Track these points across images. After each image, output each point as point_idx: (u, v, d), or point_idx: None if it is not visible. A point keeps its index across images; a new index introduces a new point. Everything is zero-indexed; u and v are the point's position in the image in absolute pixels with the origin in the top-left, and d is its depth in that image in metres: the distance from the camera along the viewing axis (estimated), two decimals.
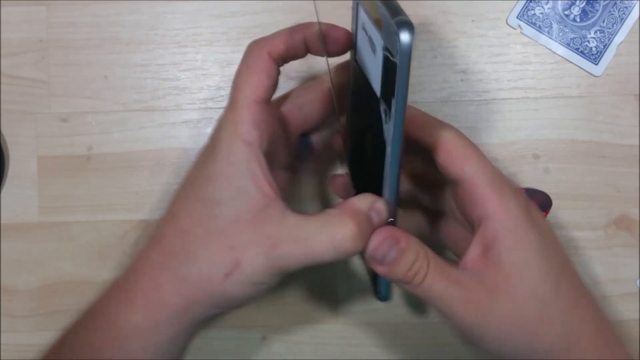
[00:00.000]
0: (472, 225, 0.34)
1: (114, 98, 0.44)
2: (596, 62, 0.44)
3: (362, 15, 0.32)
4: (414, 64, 0.44)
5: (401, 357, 0.44)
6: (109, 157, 0.44)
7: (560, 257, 0.34)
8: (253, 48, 0.33)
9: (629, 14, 0.44)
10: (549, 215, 0.44)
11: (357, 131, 0.37)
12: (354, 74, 0.36)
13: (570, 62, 0.45)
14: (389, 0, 0.29)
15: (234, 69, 0.44)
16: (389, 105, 0.29)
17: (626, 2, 0.44)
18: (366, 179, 0.35)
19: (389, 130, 0.29)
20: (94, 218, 0.44)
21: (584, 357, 0.33)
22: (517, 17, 0.45)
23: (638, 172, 0.44)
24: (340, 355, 0.44)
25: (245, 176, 0.31)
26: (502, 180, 0.33)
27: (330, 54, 0.35)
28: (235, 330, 0.44)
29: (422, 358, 0.44)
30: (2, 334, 0.43)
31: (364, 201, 0.32)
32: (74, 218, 0.44)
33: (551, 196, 0.44)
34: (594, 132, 0.44)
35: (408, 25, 0.27)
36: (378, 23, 0.29)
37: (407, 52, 0.27)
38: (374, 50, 0.31)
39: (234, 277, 0.31)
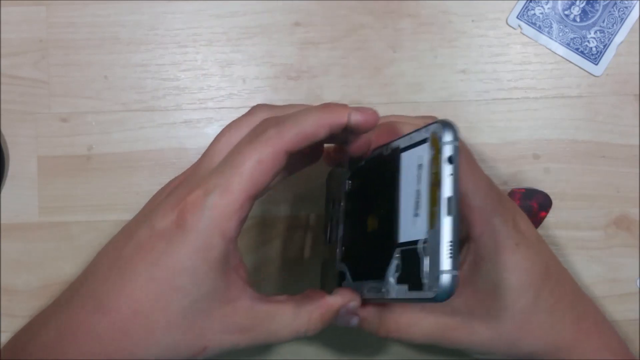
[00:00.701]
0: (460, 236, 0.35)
1: (114, 98, 0.44)
2: (596, 62, 0.44)
3: (425, 157, 0.29)
4: (414, 64, 0.45)
5: (401, 357, 0.44)
6: (109, 157, 0.44)
7: (543, 266, 0.35)
8: (272, 137, 0.30)
9: (629, 14, 0.44)
10: (549, 215, 0.44)
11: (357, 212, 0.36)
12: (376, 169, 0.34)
13: (570, 62, 0.45)
14: (454, 222, 0.27)
15: (234, 69, 0.45)
16: (403, 271, 0.29)
17: (626, 2, 0.44)
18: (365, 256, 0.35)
19: (392, 289, 0.30)
20: (94, 218, 0.44)
21: (566, 351, 0.35)
22: (517, 17, 0.45)
23: (638, 172, 0.44)
24: (341, 355, 0.44)
25: (220, 276, 0.30)
26: (493, 199, 0.34)
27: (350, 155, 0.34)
28: None
29: (422, 358, 0.44)
30: (2, 334, 0.43)
31: (339, 299, 0.33)
32: (74, 218, 0.44)
33: (551, 196, 0.44)
34: (594, 132, 0.44)
35: (454, 280, 0.26)
36: (432, 217, 0.28)
37: (441, 300, 0.27)
38: (415, 213, 0.29)
39: (198, 358, 0.31)
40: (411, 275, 0.28)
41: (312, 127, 0.30)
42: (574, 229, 0.44)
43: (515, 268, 0.34)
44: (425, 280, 0.27)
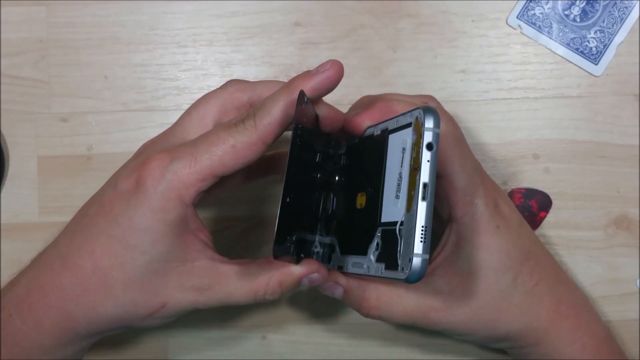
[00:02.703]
0: (443, 219, 0.36)
1: (114, 98, 0.44)
2: (596, 62, 0.44)
3: (408, 141, 0.30)
4: (414, 64, 0.45)
5: (401, 357, 0.44)
6: (109, 157, 0.44)
7: (523, 249, 0.36)
8: (251, 131, 0.31)
9: (629, 14, 0.44)
10: (549, 215, 0.44)
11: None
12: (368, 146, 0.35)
13: (570, 62, 0.45)
14: (428, 207, 0.28)
15: (234, 69, 0.45)
16: (382, 250, 0.30)
17: (626, 2, 0.44)
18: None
19: (372, 266, 0.31)
20: None
21: (544, 332, 0.35)
22: (517, 17, 0.45)
23: (638, 172, 0.44)
24: (340, 355, 0.44)
25: (176, 238, 0.32)
26: (479, 182, 0.34)
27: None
28: (235, 330, 0.44)
29: (422, 358, 0.44)
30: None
31: (301, 269, 0.33)
32: None
33: (551, 196, 0.44)
34: (594, 132, 0.44)
35: (423, 263, 0.27)
36: (409, 201, 0.29)
37: (411, 281, 0.28)
38: (396, 195, 0.30)
39: (157, 315, 0.33)
40: (388, 255, 0.29)
41: (283, 113, 0.31)
42: (574, 229, 0.44)
43: (494, 250, 0.34)
44: (399, 261, 0.28)
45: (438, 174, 0.33)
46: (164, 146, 0.33)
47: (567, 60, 0.45)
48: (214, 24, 0.45)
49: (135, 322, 0.33)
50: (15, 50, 0.44)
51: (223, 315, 0.44)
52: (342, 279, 0.35)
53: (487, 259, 0.34)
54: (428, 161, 0.28)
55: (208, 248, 0.33)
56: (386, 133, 0.32)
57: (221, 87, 0.35)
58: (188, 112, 0.35)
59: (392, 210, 0.30)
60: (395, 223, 0.29)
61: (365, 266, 0.32)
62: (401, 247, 0.28)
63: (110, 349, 0.43)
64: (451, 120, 0.35)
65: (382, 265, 0.30)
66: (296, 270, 0.33)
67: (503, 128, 0.45)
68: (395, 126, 0.32)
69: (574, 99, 0.45)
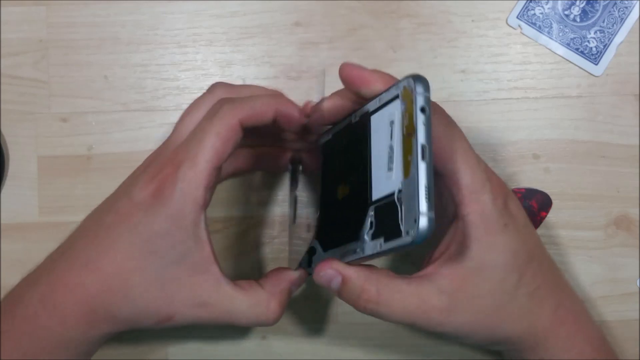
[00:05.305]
0: (446, 217, 0.35)
1: (114, 98, 0.44)
2: (596, 62, 0.44)
3: (396, 113, 0.30)
4: (414, 64, 0.44)
5: (401, 357, 0.44)
6: (109, 157, 0.44)
7: (528, 250, 0.35)
8: (227, 113, 0.34)
9: (629, 14, 0.44)
10: (549, 215, 0.44)
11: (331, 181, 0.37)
12: (350, 134, 0.36)
13: (570, 62, 0.45)
14: (428, 167, 0.28)
15: (234, 69, 0.45)
16: (378, 226, 0.30)
17: (626, 2, 0.44)
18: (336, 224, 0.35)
19: (367, 246, 0.30)
20: None
21: (542, 337, 0.35)
22: (517, 17, 0.45)
23: (638, 172, 0.44)
24: (340, 355, 0.44)
25: (191, 240, 0.33)
26: (484, 178, 0.34)
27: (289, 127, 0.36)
28: (235, 330, 0.44)
29: (422, 358, 0.44)
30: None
31: (287, 280, 0.36)
32: (74, 218, 0.44)
33: (551, 196, 0.44)
34: (594, 132, 0.44)
35: (430, 222, 0.27)
36: (406, 166, 0.28)
37: (419, 242, 0.27)
38: (389, 167, 0.30)
39: (163, 324, 0.35)
40: (387, 227, 0.29)
41: (261, 108, 0.34)
42: (574, 229, 0.44)
43: (502, 249, 0.33)
44: (403, 227, 0.28)
45: (439, 173, 0.33)
46: (167, 156, 0.35)
47: (567, 60, 0.45)
48: (214, 24, 0.45)
49: (143, 326, 0.35)
50: (15, 50, 0.44)
51: None
52: (342, 267, 0.33)
53: (495, 258, 0.33)
54: (424, 123, 0.28)
55: (215, 264, 0.34)
56: (367, 116, 0.32)
57: (208, 90, 0.37)
58: (181, 120, 0.37)
59: (384, 184, 0.30)
60: (391, 194, 0.29)
61: (358, 249, 0.31)
62: (402, 213, 0.28)
63: (111, 348, 0.43)
64: (448, 117, 0.34)
65: (381, 240, 0.29)
66: (284, 284, 0.36)
67: (503, 128, 0.45)
68: (378, 105, 0.32)
69: (574, 99, 0.45)
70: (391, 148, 0.30)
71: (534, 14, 0.45)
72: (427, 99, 0.29)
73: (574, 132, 0.44)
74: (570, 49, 0.45)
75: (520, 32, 0.45)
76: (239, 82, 0.44)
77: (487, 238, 0.33)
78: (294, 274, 0.37)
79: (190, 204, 0.33)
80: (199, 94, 0.38)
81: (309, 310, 0.44)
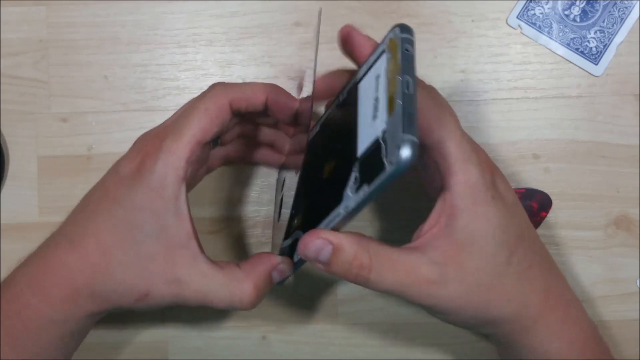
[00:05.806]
0: (435, 189, 0.34)
1: (114, 98, 0.44)
2: (596, 62, 0.44)
3: (382, 66, 0.30)
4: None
5: (401, 357, 0.44)
6: (109, 157, 0.44)
7: (518, 228, 0.34)
8: (218, 92, 0.35)
9: (629, 14, 0.44)
10: (549, 215, 0.44)
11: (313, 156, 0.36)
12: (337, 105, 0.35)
13: (570, 62, 0.45)
14: (411, 97, 0.27)
15: (234, 69, 0.45)
16: (362, 177, 0.29)
17: (626, 2, 0.44)
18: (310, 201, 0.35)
19: (351, 200, 0.29)
20: None
21: (532, 320, 0.34)
22: (517, 17, 0.45)
23: (638, 172, 0.44)
24: (340, 355, 0.44)
25: (171, 213, 0.33)
26: (470, 150, 0.33)
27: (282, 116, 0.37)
28: (235, 330, 0.44)
29: (422, 358, 0.44)
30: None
31: (267, 263, 0.35)
32: None
33: (551, 196, 0.44)
34: (594, 132, 0.44)
35: (413, 146, 0.26)
36: (391, 103, 0.28)
37: (402, 169, 0.26)
38: (374, 116, 0.29)
39: (142, 302, 0.34)
40: (371, 171, 0.28)
41: (252, 91, 0.35)
42: (574, 229, 0.44)
43: (491, 219, 0.33)
44: (385, 160, 0.27)
45: (426, 145, 0.33)
46: (154, 132, 0.36)
47: (567, 60, 0.45)
48: (214, 24, 0.45)
49: (123, 304, 0.35)
50: (15, 50, 0.44)
51: (223, 315, 0.44)
52: (330, 235, 0.31)
53: (484, 229, 0.33)
54: (408, 60, 0.28)
55: (194, 239, 0.34)
56: (354, 87, 0.33)
57: (207, 90, 0.37)
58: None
59: (369, 133, 0.29)
60: (376, 140, 0.28)
61: (342, 210, 0.29)
62: (386, 148, 0.27)
63: (111, 348, 0.44)
64: (439, 94, 0.34)
65: (365, 186, 0.28)
66: (264, 267, 0.35)
67: (503, 128, 0.45)
68: (365, 70, 0.32)
69: (574, 99, 0.45)
70: (377, 99, 0.29)
71: (534, 14, 0.45)
72: (411, 41, 0.29)
73: (574, 132, 0.44)
74: (570, 49, 0.45)
75: (520, 32, 0.45)
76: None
77: (475, 208, 0.32)
78: (276, 259, 0.36)
79: (171, 175, 0.33)
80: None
81: (309, 310, 0.44)
